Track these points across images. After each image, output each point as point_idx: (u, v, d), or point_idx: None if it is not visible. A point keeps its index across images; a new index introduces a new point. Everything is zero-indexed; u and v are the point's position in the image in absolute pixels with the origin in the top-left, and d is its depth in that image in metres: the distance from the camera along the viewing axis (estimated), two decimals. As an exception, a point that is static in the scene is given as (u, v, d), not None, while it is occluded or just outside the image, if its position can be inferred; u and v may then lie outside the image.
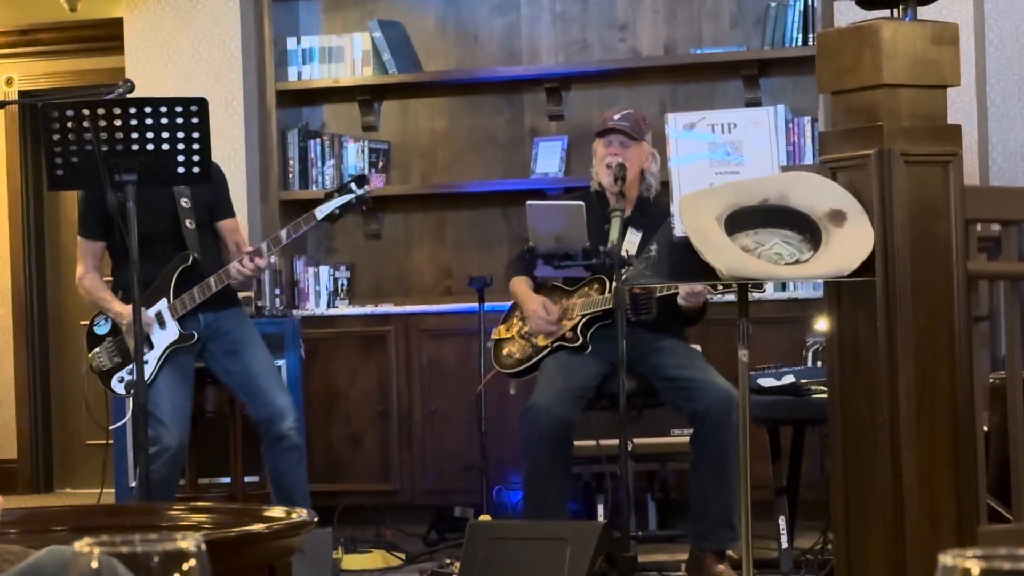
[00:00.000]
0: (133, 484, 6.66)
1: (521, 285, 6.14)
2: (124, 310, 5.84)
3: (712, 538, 5.73)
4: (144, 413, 5.43)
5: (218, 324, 5.94)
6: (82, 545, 1.23)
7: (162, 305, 5.88)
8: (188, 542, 1.23)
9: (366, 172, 7.97)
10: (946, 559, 1.04)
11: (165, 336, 5.88)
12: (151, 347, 5.87)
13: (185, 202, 5.89)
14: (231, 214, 6.12)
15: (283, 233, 5.95)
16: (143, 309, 5.78)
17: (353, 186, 5.98)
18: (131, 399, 5.91)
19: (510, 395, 7.00)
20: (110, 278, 6.08)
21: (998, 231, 4.38)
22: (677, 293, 5.76)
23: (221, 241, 6.05)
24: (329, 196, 5.98)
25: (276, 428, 5.88)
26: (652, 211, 5.93)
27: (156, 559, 1.22)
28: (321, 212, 5.94)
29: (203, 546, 1.24)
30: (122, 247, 5.74)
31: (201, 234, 5.95)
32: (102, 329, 6.01)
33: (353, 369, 7.59)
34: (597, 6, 7.94)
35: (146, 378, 5.77)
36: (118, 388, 5.97)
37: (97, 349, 6.01)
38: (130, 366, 5.89)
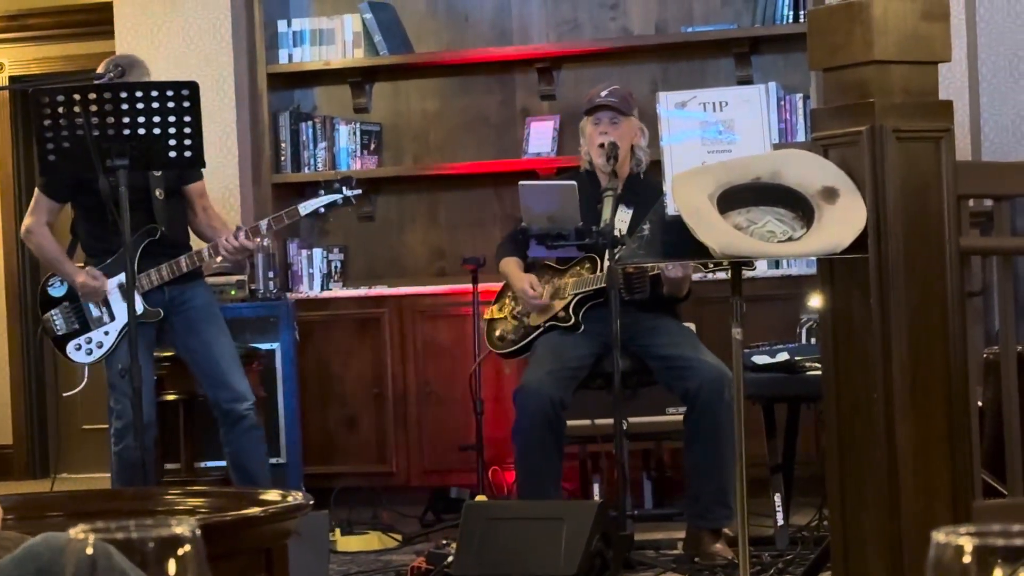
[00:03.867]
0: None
1: (510, 265, 6.15)
2: (87, 280, 5.82)
3: (708, 516, 5.74)
4: (139, 398, 5.43)
5: (182, 298, 5.91)
6: (77, 531, 1.23)
7: (124, 276, 5.85)
8: (183, 527, 1.23)
9: (357, 153, 7.97)
10: (939, 536, 1.04)
11: (127, 309, 5.84)
12: (112, 318, 5.86)
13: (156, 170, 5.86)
14: (199, 177, 6.08)
15: (263, 224, 5.95)
16: (105, 278, 5.80)
17: (344, 188, 5.99)
18: (87, 367, 5.93)
19: (505, 375, 7.01)
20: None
21: (991, 206, 4.38)
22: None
23: (189, 205, 6.03)
24: (314, 193, 6.03)
25: (235, 411, 5.87)
26: (642, 188, 5.93)
27: (151, 545, 1.22)
28: (305, 208, 5.97)
29: (198, 531, 1.24)
30: (91, 211, 5.74)
31: (169, 204, 5.93)
32: (58, 291, 5.97)
33: (347, 351, 7.59)
34: (588, -15, 7.94)
35: (105, 349, 5.79)
36: (75, 355, 5.94)
37: (52, 312, 5.97)
38: (88, 334, 5.89)
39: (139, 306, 5.80)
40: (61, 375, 9.55)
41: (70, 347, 5.93)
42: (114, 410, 5.81)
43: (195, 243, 6.04)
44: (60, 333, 5.95)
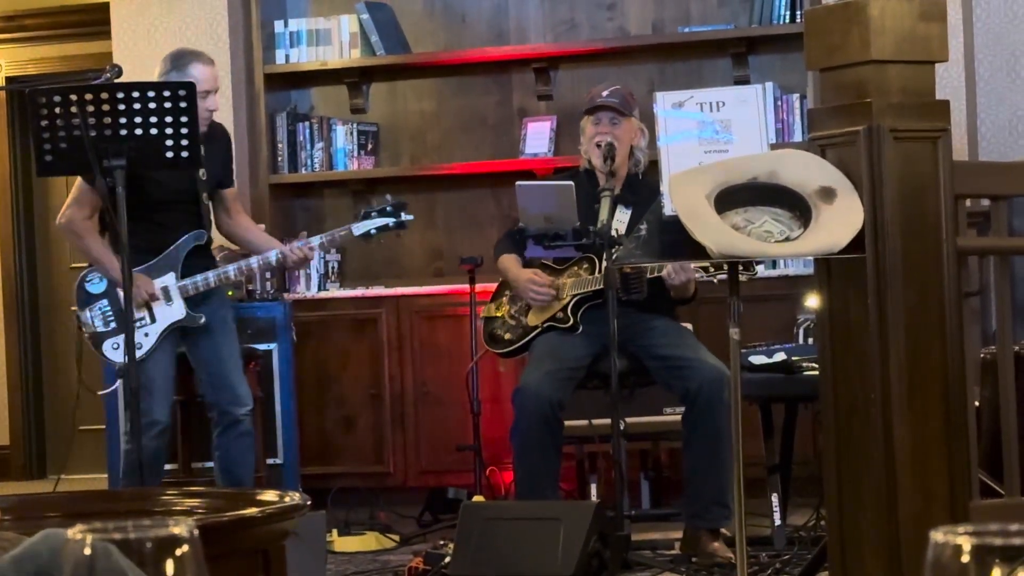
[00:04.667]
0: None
1: (510, 261, 6.14)
2: (141, 287, 5.81)
3: (706, 516, 5.74)
4: (137, 397, 5.43)
5: (204, 301, 5.94)
6: (75, 531, 1.23)
7: (170, 279, 5.86)
8: (181, 528, 1.23)
9: (354, 153, 7.98)
10: (937, 536, 1.04)
11: (170, 312, 5.86)
12: (152, 320, 5.85)
13: (203, 174, 5.91)
14: (233, 182, 6.19)
15: (315, 240, 6.00)
16: (149, 279, 5.79)
17: (402, 214, 6.03)
18: (122, 367, 5.90)
19: (502, 375, 7.01)
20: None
21: (988, 206, 4.38)
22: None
23: (223, 209, 6.07)
24: (367, 216, 6.04)
25: (232, 414, 5.89)
26: (641, 189, 5.93)
27: (149, 545, 1.22)
28: (358, 229, 6.02)
29: (195, 531, 1.24)
30: (137, 210, 5.74)
31: (211, 208, 5.99)
32: (96, 288, 5.93)
33: (345, 352, 7.59)
34: (585, -15, 7.94)
35: (144, 351, 5.78)
36: (111, 354, 5.90)
37: (90, 309, 5.93)
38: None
39: (182, 310, 5.83)
40: (60, 375, 9.54)
41: (107, 345, 5.89)
42: (141, 408, 5.80)
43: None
44: (97, 331, 5.90)
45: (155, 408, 5.72)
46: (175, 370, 5.90)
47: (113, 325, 5.88)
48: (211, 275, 5.88)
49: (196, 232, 5.88)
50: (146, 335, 5.81)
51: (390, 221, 6.03)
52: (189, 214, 5.88)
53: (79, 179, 5.88)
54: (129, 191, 5.72)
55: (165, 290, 5.84)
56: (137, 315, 5.82)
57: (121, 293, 5.77)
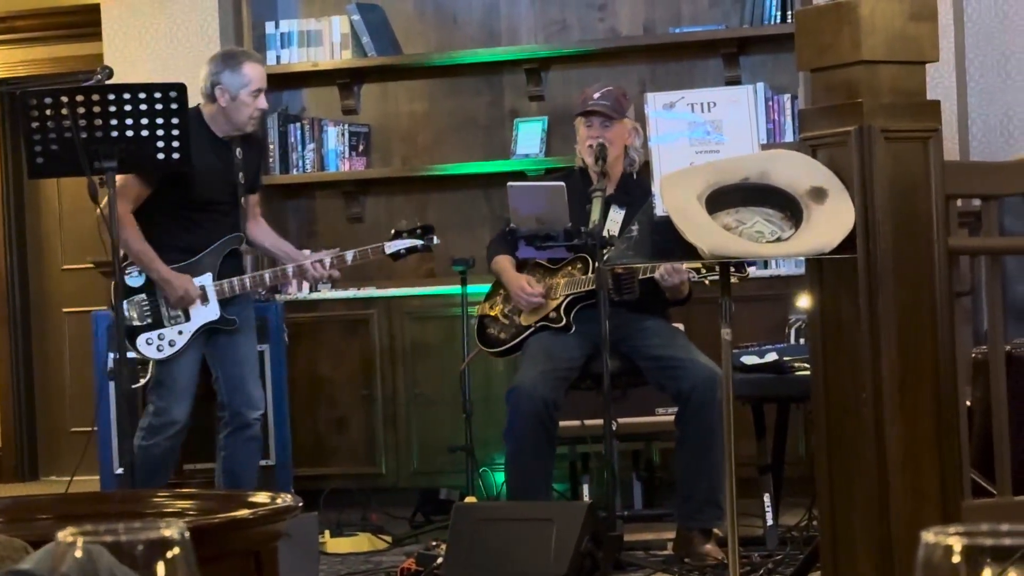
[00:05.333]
0: (119, 471, 6.65)
1: (504, 263, 6.14)
2: (173, 277, 5.82)
3: (698, 517, 5.74)
4: (127, 399, 5.44)
5: (232, 302, 5.97)
6: (65, 534, 1.23)
7: (207, 279, 5.89)
8: (171, 530, 1.23)
9: (346, 154, 7.98)
10: (928, 536, 1.04)
11: (205, 313, 5.88)
12: (187, 318, 5.87)
13: (242, 177, 5.94)
14: (260, 187, 6.29)
15: (348, 255, 6.06)
16: (190, 278, 5.81)
17: (433, 237, 6.23)
18: (151, 364, 5.90)
19: (494, 376, 7.01)
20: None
21: (979, 206, 4.39)
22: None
23: (246, 212, 6.10)
24: (398, 235, 6.19)
25: (244, 417, 5.92)
26: (635, 189, 5.93)
27: (140, 547, 1.22)
28: (390, 248, 6.17)
29: (186, 533, 1.24)
30: (180, 208, 5.75)
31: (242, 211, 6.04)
32: (134, 281, 5.92)
33: (337, 353, 7.58)
34: (576, -14, 7.94)
35: (177, 348, 5.80)
36: (144, 349, 5.88)
37: (128, 302, 5.86)
38: (161, 330, 5.87)
39: (217, 311, 5.86)
40: (52, 376, 9.54)
41: (140, 340, 5.87)
42: (154, 406, 5.82)
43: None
44: (132, 324, 5.88)
45: (175, 408, 5.77)
46: (199, 371, 5.92)
47: (149, 320, 5.87)
48: (247, 278, 5.93)
49: (235, 235, 5.93)
50: (179, 333, 5.84)
51: (419, 243, 6.22)
52: (228, 216, 5.93)
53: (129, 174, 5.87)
54: (173, 189, 5.75)
55: (202, 290, 5.86)
56: (172, 313, 5.84)
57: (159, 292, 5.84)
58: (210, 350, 5.97)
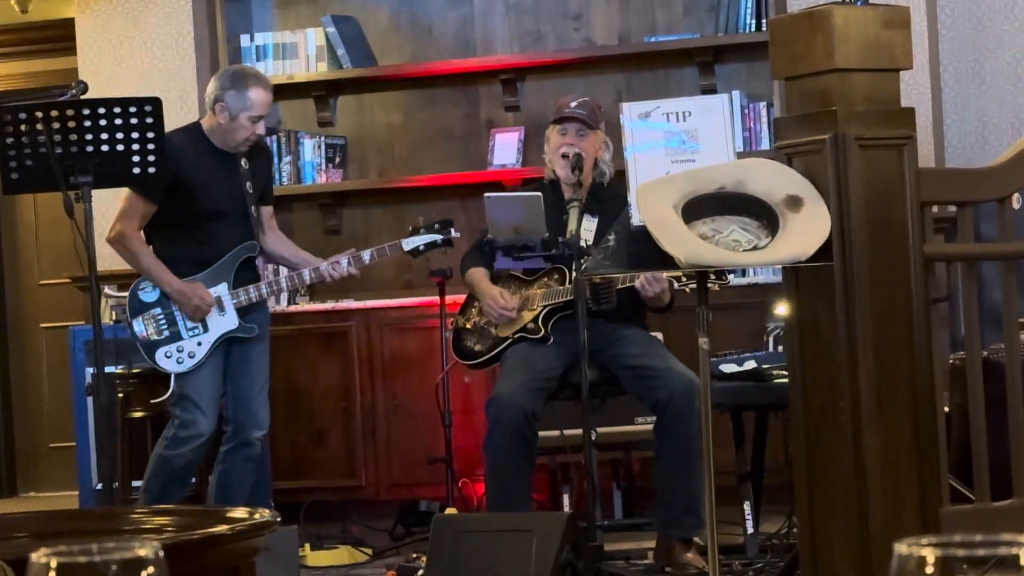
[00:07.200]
0: (98, 486, 6.63)
1: (478, 275, 6.14)
2: (185, 289, 5.81)
3: (678, 525, 5.74)
4: (106, 415, 5.42)
5: (249, 312, 5.96)
6: (39, 555, 1.22)
7: (222, 289, 5.88)
8: (146, 549, 1.23)
9: (322, 167, 7.96)
10: (901, 547, 1.04)
11: (223, 323, 5.87)
12: (205, 329, 5.85)
13: (249, 187, 5.93)
14: (272, 199, 6.26)
15: (366, 255, 6.04)
16: (206, 288, 5.80)
17: (451, 230, 6.21)
18: (173, 377, 5.86)
19: (473, 387, 7.00)
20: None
21: (954, 212, 4.40)
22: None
23: (260, 225, 6.09)
24: (415, 231, 6.19)
25: (246, 434, 5.91)
26: (606, 196, 5.94)
27: (114, 567, 1.22)
28: (407, 244, 6.17)
29: (161, 552, 1.24)
30: (189, 221, 5.74)
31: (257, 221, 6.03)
32: (149, 296, 5.89)
33: (315, 366, 7.57)
34: (550, -4, 7.95)
35: (197, 360, 5.78)
36: (164, 363, 5.86)
37: (142, 317, 5.87)
38: (180, 343, 5.85)
39: (235, 321, 5.85)
40: (30, 392, 9.50)
41: (159, 354, 5.85)
42: (179, 419, 5.79)
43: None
44: (151, 340, 5.86)
45: (200, 420, 5.77)
46: (220, 384, 5.90)
47: (167, 334, 5.86)
48: (263, 286, 5.92)
49: (249, 244, 5.93)
50: (199, 344, 5.83)
51: (438, 238, 6.19)
52: (240, 226, 5.91)
53: (127, 190, 5.86)
54: (178, 203, 5.74)
55: (218, 300, 5.86)
56: (190, 325, 5.83)
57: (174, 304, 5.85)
58: (223, 364, 5.96)
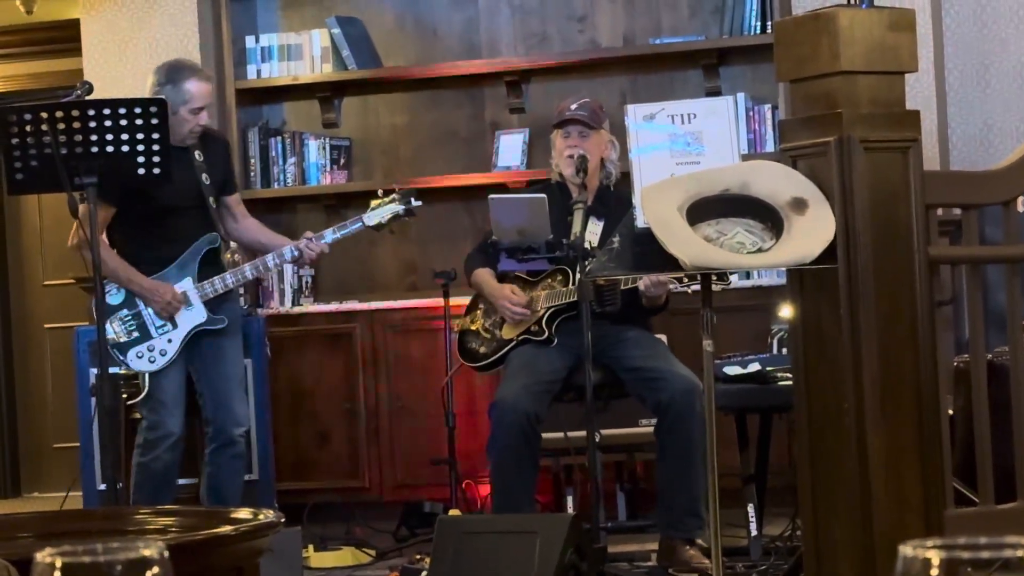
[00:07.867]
0: (102, 487, 6.63)
1: (484, 275, 6.14)
2: (154, 287, 5.80)
3: (680, 527, 5.74)
4: (110, 416, 5.41)
5: (219, 309, 5.95)
6: (44, 555, 1.22)
7: (187, 284, 5.87)
8: (151, 549, 1.23)
9: (327, 168, 7.97)
10: (907, 550, 1.04)
11: (191, 317, 5.86)
12: (174, 326, 5.85)
13: (206, 178, 5.92)
14: (236, 188, 6.23)
15: (328, 233, 6.01)
16: (170, 285, 5.79)
17: (411, 199, 6.07)
18: (146, 376, 5.85)
19: (477, 389, 7.00)
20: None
21: (959, 215, 4.40)
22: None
23: (229, 215, 6.08)
24: (378, 205, 6.08)
25: (228, 433, 5.90)
26: (612, 200, 5.94)
27: (119, 567, 1.22)
28: (370, 219, 6.08)
29: (166, 553, 1.24)
30: (146, 219, 5.74)
31: (218, 213, 5.99)
32: (114, 299, 5.89)
33: (319, 366, 7.57)
34: (556, -2, 7.95)
35: (169, 357, 5.77)
36: (136, 364, 5.85)
37: (110, 321, 5.86)
38: (150, 342, 5.85)
39: (203, 314, 5.84)
40: (33, 392, 9.51)
41: (130, 355, 5.85)
42: (146, 420, 5.79)
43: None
44: (120, 341, 5.86)
45: (167, 419, 5.75)
46: (184, 380, 5.89)
47: (136, 334, 5.86)
48: (228, 276, 5.91)
49: (210, 235, 5.91)
50: (169, 341, 5.83)
51: (400, 209, 6.09)
52: (199, 219, 5.90)
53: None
54: (134, 202, 5.74)
55: (184, 295, 5.85)
56: (159, 322, 5.83)
57: (140, 302, 5.84)
58: (196, 363, 5.95)
